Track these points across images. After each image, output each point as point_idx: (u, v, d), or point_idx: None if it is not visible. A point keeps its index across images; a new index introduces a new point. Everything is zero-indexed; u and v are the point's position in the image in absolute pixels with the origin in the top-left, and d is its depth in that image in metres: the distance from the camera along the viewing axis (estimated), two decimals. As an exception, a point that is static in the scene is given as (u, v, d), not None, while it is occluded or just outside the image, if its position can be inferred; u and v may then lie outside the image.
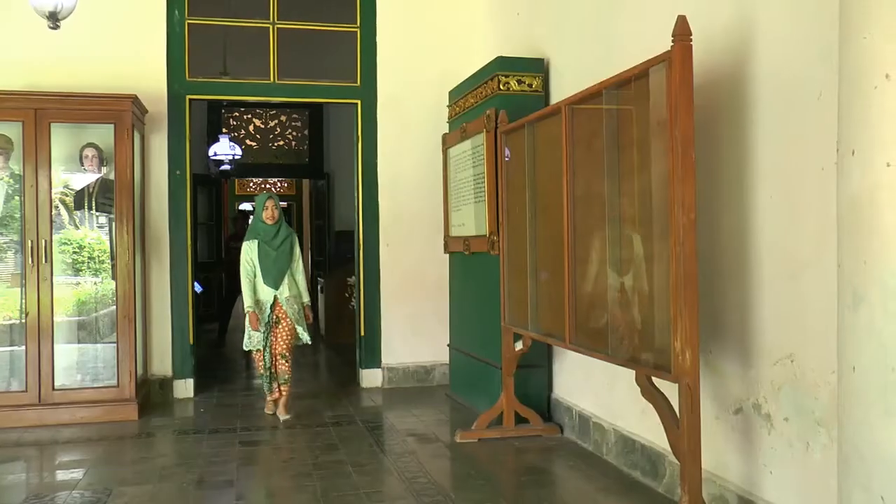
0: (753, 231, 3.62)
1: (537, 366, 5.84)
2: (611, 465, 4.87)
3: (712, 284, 3.84)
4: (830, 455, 3.00)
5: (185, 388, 7.07)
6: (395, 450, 5.35)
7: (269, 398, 6.44)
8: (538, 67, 5.98)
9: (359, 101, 7.59)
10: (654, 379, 3.60)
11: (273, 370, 6.25)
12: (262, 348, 6.22)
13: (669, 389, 3.46)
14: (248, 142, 13.65)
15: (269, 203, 6.25)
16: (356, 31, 7.58)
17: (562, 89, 5.63)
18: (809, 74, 3.23)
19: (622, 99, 3.90)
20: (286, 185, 21.35)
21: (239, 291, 11.15)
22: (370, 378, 7.57)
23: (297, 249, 6.38)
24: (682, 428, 3.35)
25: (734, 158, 3.73)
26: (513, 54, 6.15)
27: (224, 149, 12.71)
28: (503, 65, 5.95)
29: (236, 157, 12.91)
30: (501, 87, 5.90)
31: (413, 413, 6.41)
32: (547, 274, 4.84)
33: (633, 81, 3.71)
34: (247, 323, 6.24)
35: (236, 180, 19.35)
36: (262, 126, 13.79)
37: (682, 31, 3.30)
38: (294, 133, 13.95)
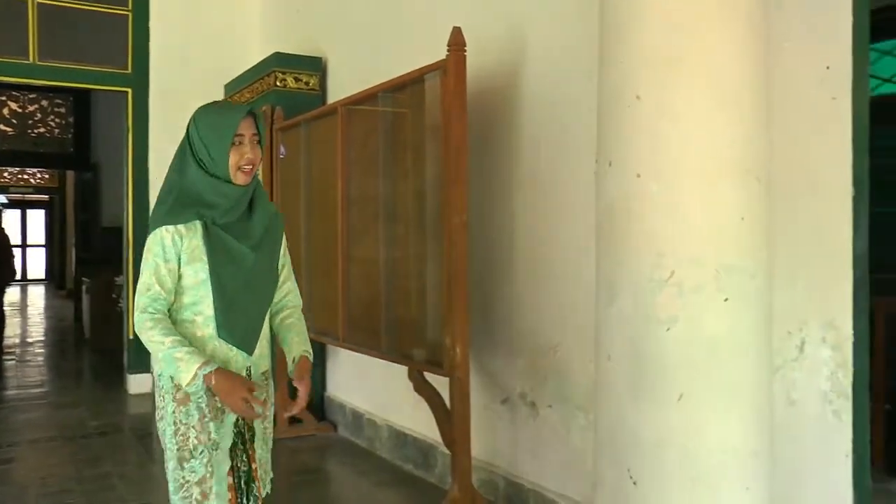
0: (523, 232, 3.83)
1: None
2: (384, 459, 4.96)
3: (483, 283, 4.02)
4: (588, 437, 3.25)
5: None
6: (166, 456, 5.12)
7: None
8: (315, 66, 5.96)
9: (129, 90, 7.16)
10: (425, 374, 3.72)
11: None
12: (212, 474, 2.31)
13: (441, 383, 3.59)
14: (2, 127, 12.53)
15: (246, 125, 2.31)
16: (128, 15, 7.13)
17: (339, 89, 5.64)
18: (574, 89, 3.44)
19: (398, 102, 3.99)
20: (48, 176, 19.85)
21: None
22: (140, 383, 7.14)
23: (285, 242, 2.76)
24: (453, 420, 3.49)
25: (506, 163, 3.92)
26: (291, 51, 6.08)
27: (-27, 135, 11.61)
28: (280, 61, 5.87)
29: (-12, 144, 11.86)
30: (278, 83, 5.82)
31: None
32: (315, 275, 4.84)
33: (408, 86, 3.80)
34: (175, 435, 2.32)
35: (-12, 169, 17.75)
36: (20, 110, 12.71)
37: (456, 41, 3.41)
38: (57, 120, 12.99)
